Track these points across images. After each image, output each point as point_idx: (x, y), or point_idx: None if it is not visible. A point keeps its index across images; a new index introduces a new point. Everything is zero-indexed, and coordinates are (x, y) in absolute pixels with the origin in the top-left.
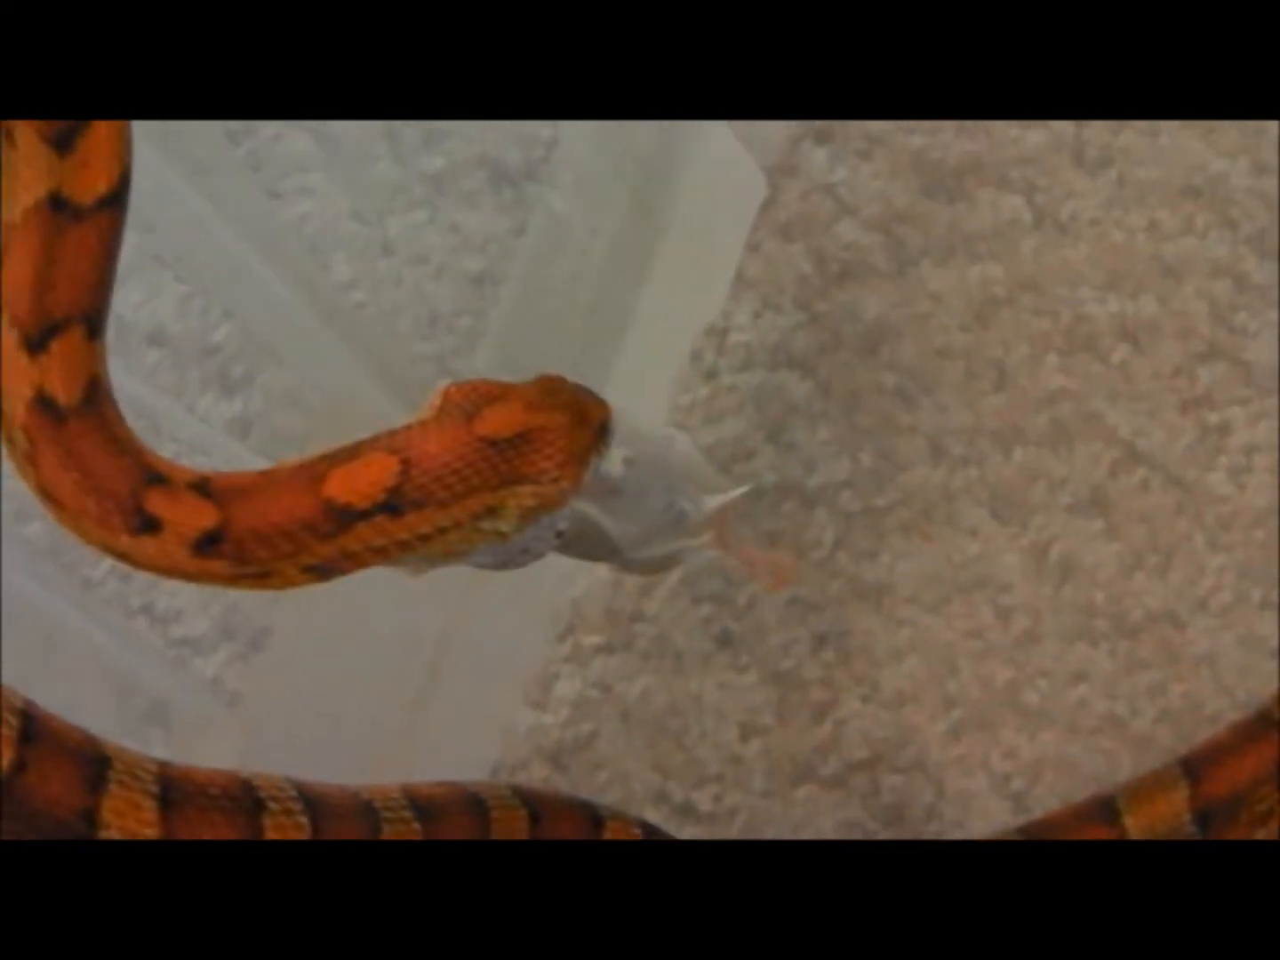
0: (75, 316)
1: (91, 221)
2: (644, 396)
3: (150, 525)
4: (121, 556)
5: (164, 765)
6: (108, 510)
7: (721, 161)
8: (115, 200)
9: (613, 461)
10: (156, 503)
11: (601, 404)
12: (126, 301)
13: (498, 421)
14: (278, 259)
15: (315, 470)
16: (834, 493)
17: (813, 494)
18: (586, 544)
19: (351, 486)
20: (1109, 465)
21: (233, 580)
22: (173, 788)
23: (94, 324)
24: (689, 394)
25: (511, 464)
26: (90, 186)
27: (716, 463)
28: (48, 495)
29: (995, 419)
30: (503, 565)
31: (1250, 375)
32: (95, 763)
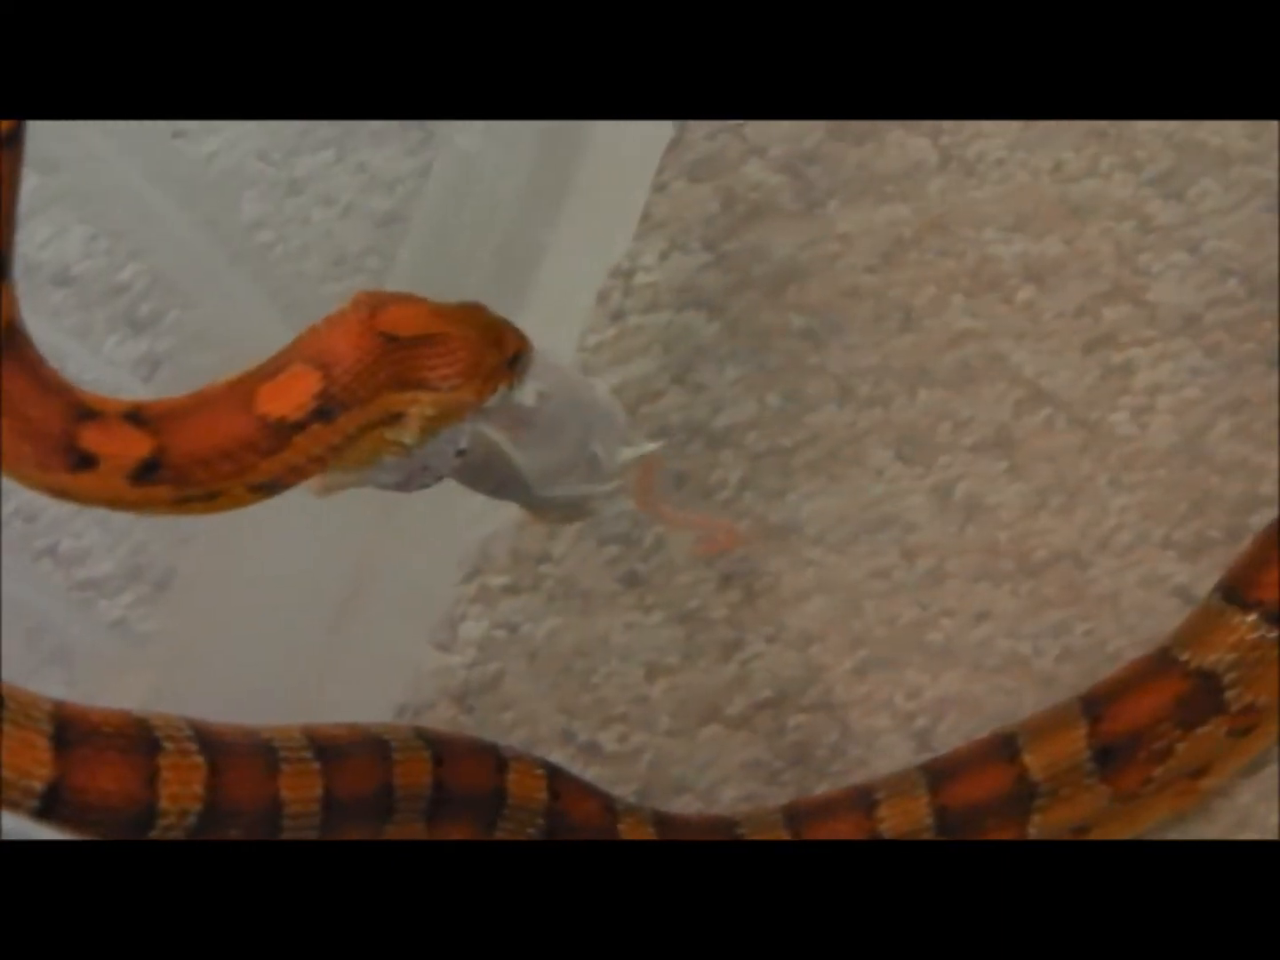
0: None
1: None
2: (552, 337)
3: (87, 461)
4: (63, 494)
5: (59, 705)
6: (44, 451)
7: None
8: (13, 139)
9: (526, 393)
10: (90, 438)
11: (520, 336)
12: (30, 241)
13: (399, 319)
14: (184, 198)
15: (243, 387)
16: (741, 433)
17: (720, 434)
18: (494, 475)
19: (283, 400)
20: (1013, 405)
21: (180, 505)
22: (67, 727)
23: (1, 267)
24: (596, 335)
25: (414, 364)
26: None
27: (624, 404)
28: None
29: (902, 359)
30: (404, 485)
31: (1154, 316)
32: None
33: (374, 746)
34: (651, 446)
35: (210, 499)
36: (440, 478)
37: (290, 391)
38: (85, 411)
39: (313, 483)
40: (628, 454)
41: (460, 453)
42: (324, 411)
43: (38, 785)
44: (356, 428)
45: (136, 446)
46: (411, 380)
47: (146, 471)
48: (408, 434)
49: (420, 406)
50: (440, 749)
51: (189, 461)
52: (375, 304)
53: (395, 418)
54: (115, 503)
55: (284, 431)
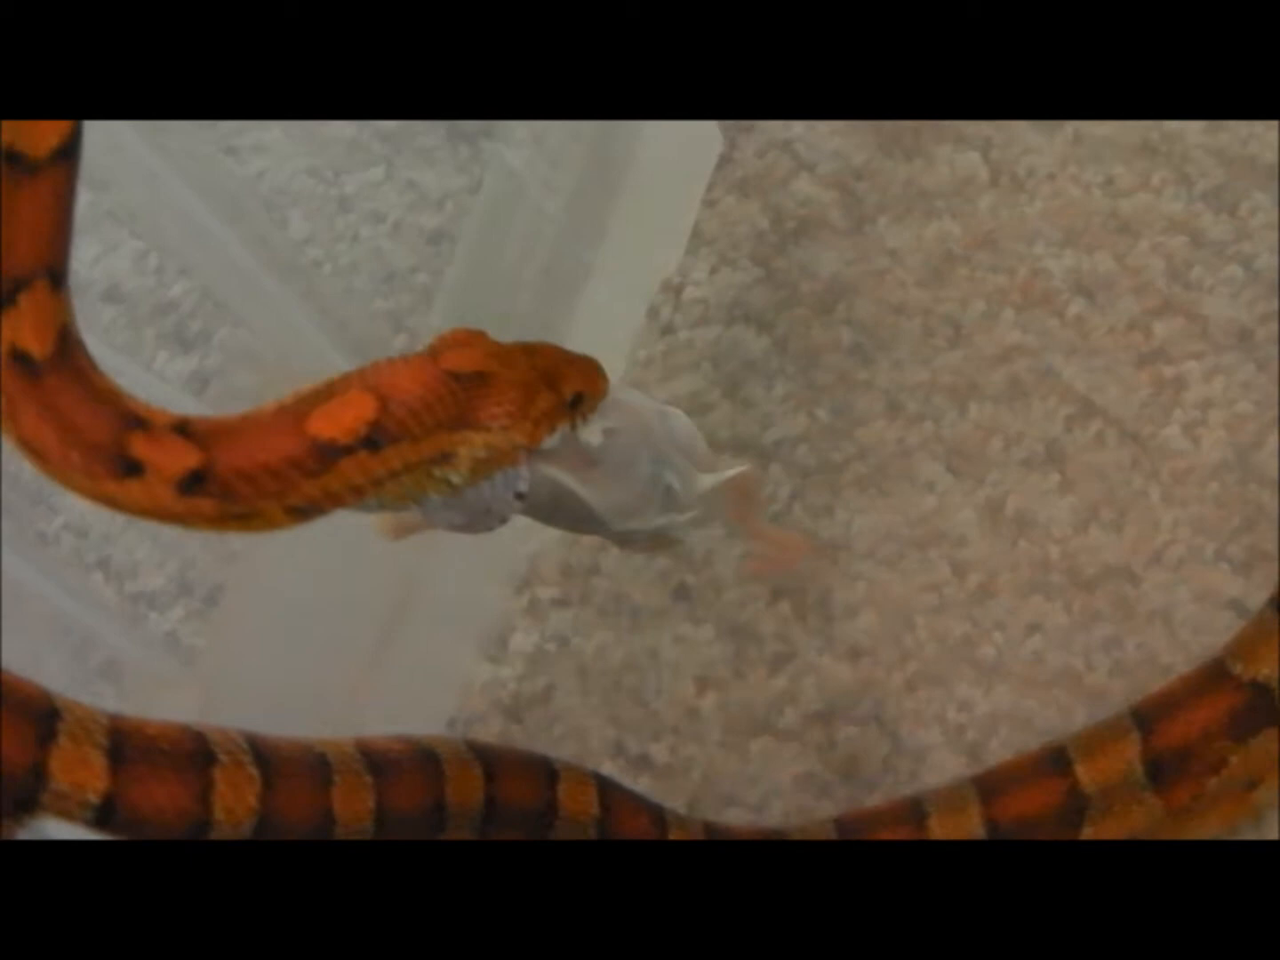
0: (39, 270)
1: (46, 175)
2: (601, 353)
3: (134, 469)
4: (109, 502)
5: (115, 719)
6: (91, 458)
7: None
8: (68, 153)
9: (591, 432)
10: (138, 446)
11: (586, 377)
12: (81, 258)
13: (459, 358)
14: (234, 216)
15: (296, 410)
16: (790, 448)
17: (769, 450)
18: (567, 514)
19: (335, 423)
20: (1064, 420)
21: (219, 521)
22: (123, 742)
23: (57, 275)
24: (646, 350)
25: (468, 403)
26: (42, 140)
27: None
28: (30, 449)
29: (951, 375)
30: (469, 527)
31: (1205, 330)
32: (45, 716)
33: (426, 761)
34: (734, 471)
35: (246, 518)
36: (505, 520)
37: (345, 415)
38: (135, 420)
39: (385, 526)
40: (707, 481)
41: (520, 495)
42: (373, 441)
43: (93, 798)
44: (402, 464)
45: (184, 457)
46: (464, 419)
47: (193, 483)
48: (455, 473)
49: (471, 447)
50: (492, 763)
51: (234, 475)
52: (443, 343)
53: (445, 457)
54: (159, 513)
55: (331, 454)
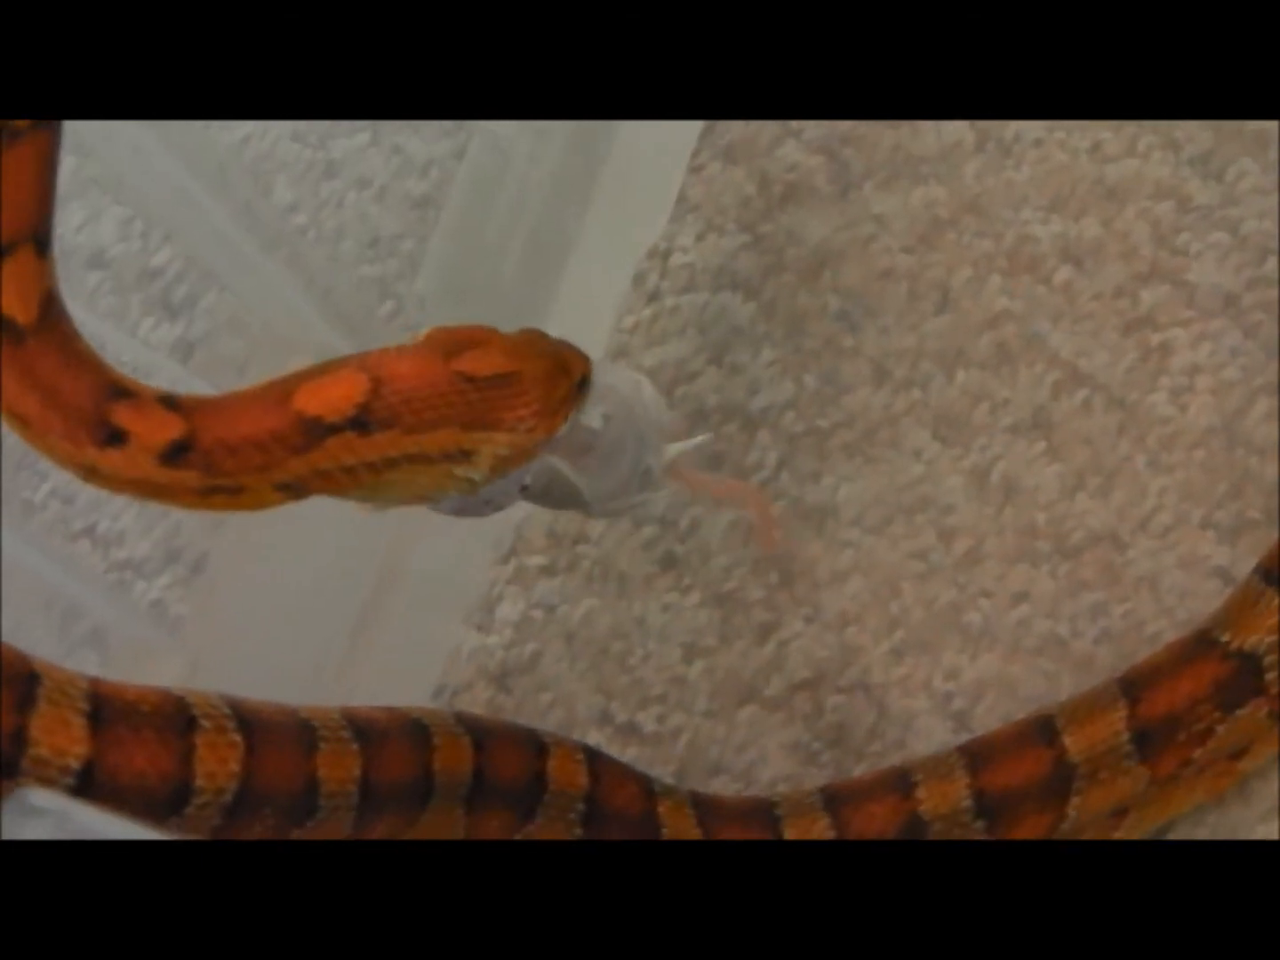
0: (23, 236)
1: (28, 140)
2: (587, 319)
3: (117, 437)
4: (90, 471)
5: (95, 682)
6: (73, 424)
7: None
8: None
9: (592, 417)
10: (122, 415)
11: (582, 357)
12: (66, 225)
13: (476, 361)
14: (219, 182)
15: (285, 385)
16: (777, 415)
17: (756, 416)
18: (554, 497)
19: (321, 399)
20: (1051, 387)
21: (205, 496)
22: (103, 705)
23: (41, 241)
24: (632, 316)
25: (488, 405)
26: None
27: (660, 385)
28: (13, 414)
29: (938, 341)
30: (461, 513)
31: (1192, 297)
32: (24, 680)
33: (413, 731)
34: (697, 441)
35: (235, 493)
36: (500, 509)
37: (332, 392)
38: (119, 390)
39: (370, 501)
40: (674, 449)
41: (524, 488)
42: (361, 422)
43: (73, 763)
44: (399, 453)
45: (168, 427)
46: (486, 421)
47: (176, 453)
48: (477, 472)
49: (494, 446)
50: (480, 734)
51: (218, 447)
52: (453, 342)
53: (466, 455)
54: (141, 485)
55: (317, 431)
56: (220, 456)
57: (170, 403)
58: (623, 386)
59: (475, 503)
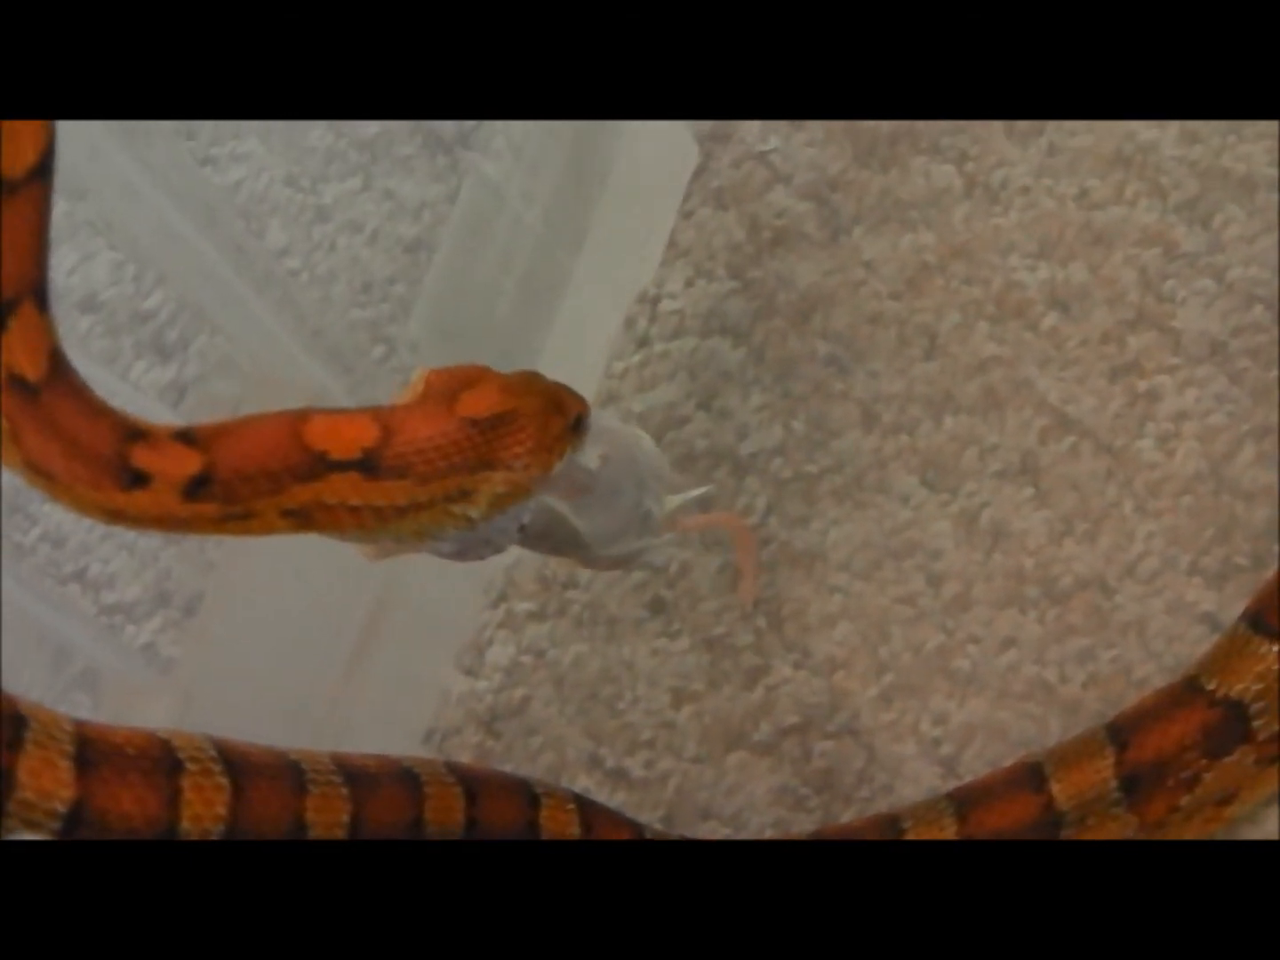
0: (25, 291)
1: (25, 193)
2: (578, 363)
3: (140, 479)
4: (115, 514)
5: (81, 725)
6: (98, 472)
7: (654, 128)
8: (44, 169)
9: (589, 458)
10: (142, 457)
11: (578, 398)
12: (58, 268)
13: (476, 403)
14: (211, 225)
15: (299, 415)
16: (766, 459)
17: (745, 461)
18: (554, 540)
19: (331, 436)
20: (1039, 432)
21: (220, 524)
22: (90, 748)
23: (41, 296)
24: (622, 361)
25: (489, 446)
26: (20, 159)
27: (649, 430)
28: (37, 470)
29: (926, 386)
30: (462, 555)
31: (1179, 343)
32: (11, 723)
33: (404, 778)
34: (699, 491)
35: (245, 519)
36: (500, 550)
37: (342, 434)
38: (135, 432)
39: (366, 548)
40: (674, 501)
41: (522, 527)
42: (366, 465)
43: (60, 807)
44: (409, 501)
45: (187, 463)
46: (486, 461)
47: (197, 486)
48: (475, 510)
49: (492, 484)
50: (472, 784)
51: (234, 477)
52: (453, 384)
53: (464, 494)
54: (166, 521)
55: (322, 465)
56: (236, 485)
57: (186, 437)
58: (621, 433)
59: (475, 544)
